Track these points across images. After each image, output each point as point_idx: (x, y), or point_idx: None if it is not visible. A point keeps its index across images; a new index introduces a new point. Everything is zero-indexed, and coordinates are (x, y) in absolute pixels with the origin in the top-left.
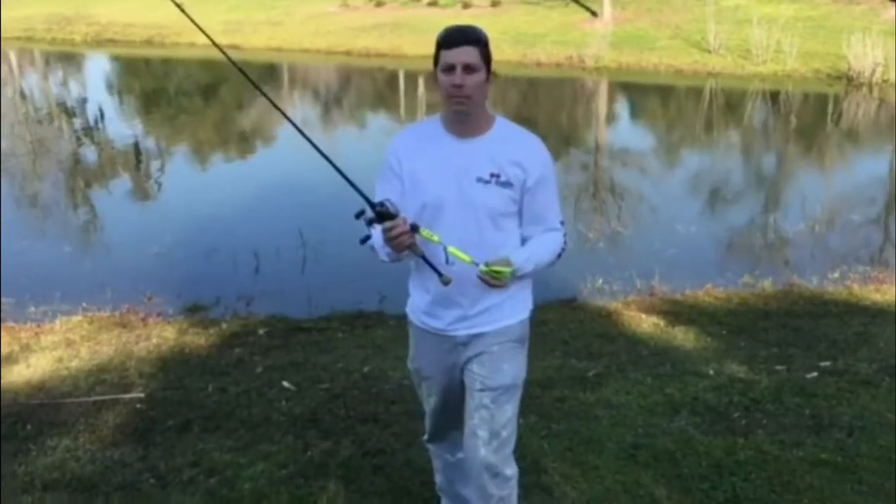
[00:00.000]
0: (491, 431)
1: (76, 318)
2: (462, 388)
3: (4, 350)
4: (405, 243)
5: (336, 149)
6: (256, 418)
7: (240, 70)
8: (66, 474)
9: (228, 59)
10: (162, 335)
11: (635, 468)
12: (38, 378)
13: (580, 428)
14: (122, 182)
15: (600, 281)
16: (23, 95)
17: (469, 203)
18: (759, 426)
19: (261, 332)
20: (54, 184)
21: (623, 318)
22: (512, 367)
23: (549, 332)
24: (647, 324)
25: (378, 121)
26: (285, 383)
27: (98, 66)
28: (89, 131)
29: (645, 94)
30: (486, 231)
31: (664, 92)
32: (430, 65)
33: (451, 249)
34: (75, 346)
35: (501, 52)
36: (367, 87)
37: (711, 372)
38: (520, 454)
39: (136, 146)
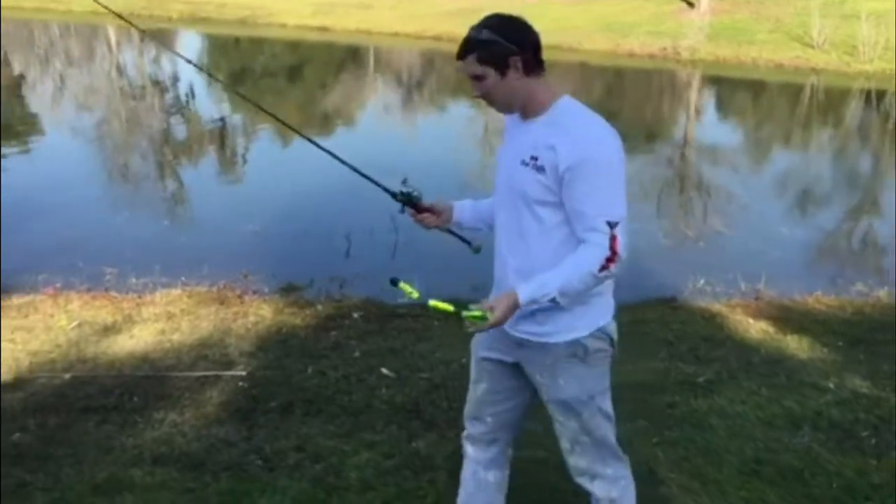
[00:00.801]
0: (570, 440)
1: (175, 292)
2: (508, 384)
3: (108, 319)
4: (427, 227)
5: (415, 133)
6: (357, 405)
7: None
8: (174, 450)
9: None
10: (259, 313)
11: (760, 485)
12: (141, 349)
13: (695, 437)
14: (210, 159)
15: (702, 281)
16: (119, 71)
17: (511, 186)
18: (892, 448)
19: (356, 315)
20: (146, 158)
21: (729, 321)
22: (568, 383)
23: (650, 331)
24: (754, 329)
25: (458, 107)
26: (384, 370)
27: (190, 44)
28: (180, 108)
29: (741, 89)
30: (524, 219)
31: (761, 87)
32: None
33: (431, 303)
34: (176, 320)
35: (592, 42)
36: (450, 73)
37: (832, 385)
38: (633, 460)
39: (223, 124)
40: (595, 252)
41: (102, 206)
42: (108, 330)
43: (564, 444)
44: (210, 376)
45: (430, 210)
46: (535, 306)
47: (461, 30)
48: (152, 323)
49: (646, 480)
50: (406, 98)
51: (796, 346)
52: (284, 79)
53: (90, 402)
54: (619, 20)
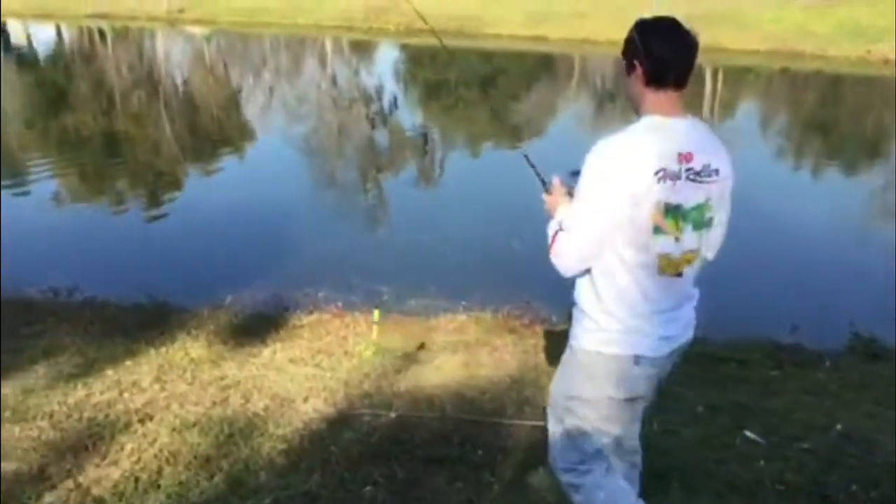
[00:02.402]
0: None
1: (461, 318)
2: None
3: (403, 346)
4: None
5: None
6: (743, 480)
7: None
8: None
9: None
10: (561, 348)
11: None
12: (453, 386)
13: None
14: (412, 170)
15: None
16: (333, 82)
17: None
18: None
19: None
20: (369, 170)
21: None
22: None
23: None
24: None
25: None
26: (748, 433)
27: (387, 56)
28: (384, 118)
29: None
30: None
31: None
32: (752, 59)
33: None
34: (473, 351)
35: (838, 48)
36: None
37: None
38: None
39: (425, 136)
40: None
41: (342, 218)
42: (409, 359)
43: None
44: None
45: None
46: None
47: (714, 40)
48: (450, 353)
49: None
50: (597, 109)
51: None
52: (478, 89)
53: (431, 452)
54: (868, 24)
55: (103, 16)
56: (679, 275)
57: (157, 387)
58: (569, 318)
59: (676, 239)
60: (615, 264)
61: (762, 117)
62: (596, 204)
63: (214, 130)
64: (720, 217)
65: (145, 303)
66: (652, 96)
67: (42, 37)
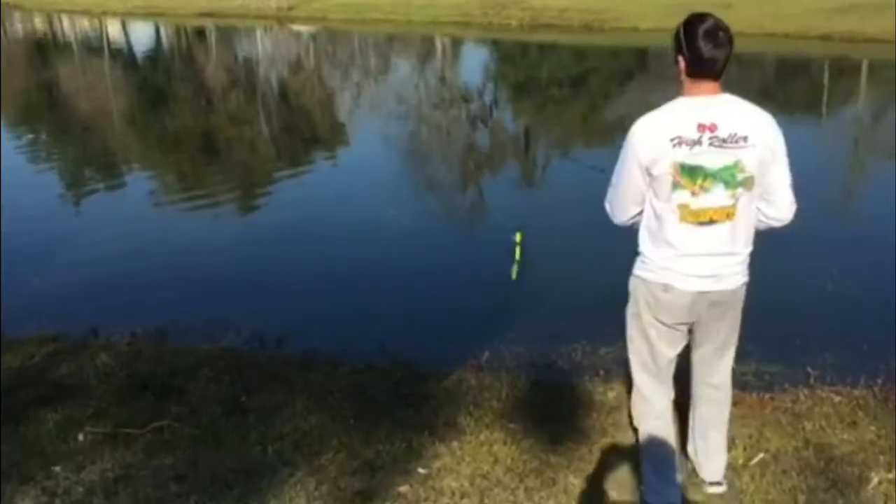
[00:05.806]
0: None
1: (828, 397)
2: None
3: (783, 442)
4: None
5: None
6: None
7: None
8: None
9: None
10: None
11: None
12: None
13: None
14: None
15: None
16: (443, 81)
17: None
18: None
19: None
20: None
21: None
22: None
23: None
24: None
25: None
26: None
27: (475, 54)
28: (485, 118)
29: None
30: None
31: None
32: None
33: None
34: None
35: None
36: (796, 78)
37: None
38: None
39: (527, 134)
40: None
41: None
42: (816, 473)
43: None
44: None
45: None
46: None
47: (858, 27)
48: (869, 465)
49: None
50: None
51: None
52: (569, 88)
53: None
54: None
55: (211, 14)
56: (704, 223)
57: None
58: None
59: (693, 193)
60: (650, 213)
61: None
62: (624, 168)
63: (316, 135)
64: (769, 178)
65: (380, 363)
66: (689, 84)
67: (143, 36)
